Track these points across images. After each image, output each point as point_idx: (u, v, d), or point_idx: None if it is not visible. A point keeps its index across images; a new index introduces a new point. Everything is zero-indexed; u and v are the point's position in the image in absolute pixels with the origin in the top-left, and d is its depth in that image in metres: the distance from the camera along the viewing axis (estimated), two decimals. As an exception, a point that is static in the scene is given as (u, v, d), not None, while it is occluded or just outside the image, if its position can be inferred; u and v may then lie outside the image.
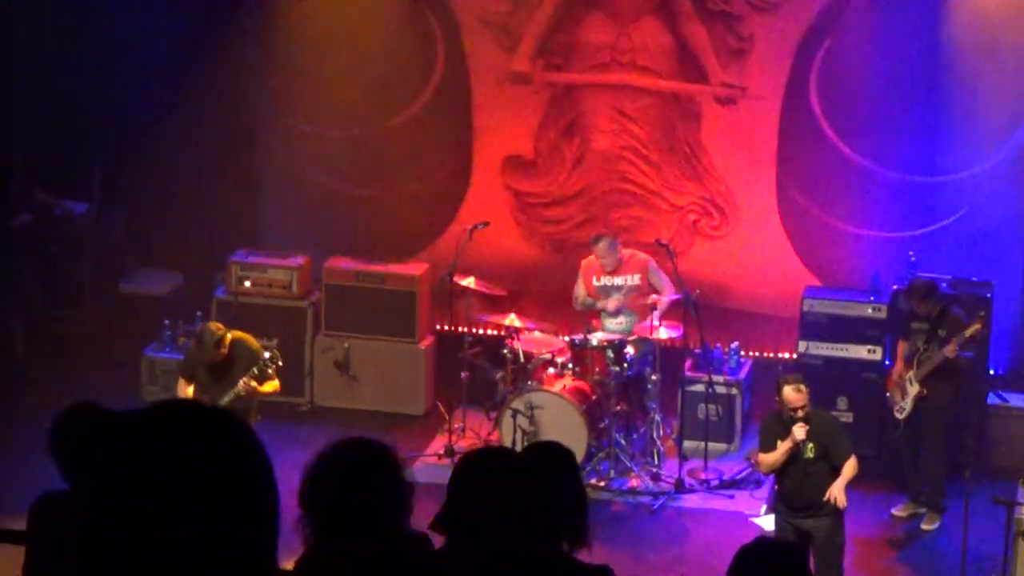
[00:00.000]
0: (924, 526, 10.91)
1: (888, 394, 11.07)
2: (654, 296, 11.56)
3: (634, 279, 11.71)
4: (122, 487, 2.22)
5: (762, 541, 4.78)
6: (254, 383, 9.95)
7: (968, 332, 10.60)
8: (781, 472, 9.28)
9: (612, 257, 11.63)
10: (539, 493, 4.52)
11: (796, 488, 9.23)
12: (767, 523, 10.79)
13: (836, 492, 9.10)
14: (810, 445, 9.14)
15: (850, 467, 9.17)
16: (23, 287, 12.85)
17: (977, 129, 12.23)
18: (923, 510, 10.98)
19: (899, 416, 10.86)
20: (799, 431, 9.10)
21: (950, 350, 10.60)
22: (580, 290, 11.91)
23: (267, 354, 10.09)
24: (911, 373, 10.84)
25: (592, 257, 11.78)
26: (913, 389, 10.81)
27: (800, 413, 9.14)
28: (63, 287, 13.05)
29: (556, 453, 4.76)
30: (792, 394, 9.15)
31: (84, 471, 5.44)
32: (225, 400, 9.90)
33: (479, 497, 4.34)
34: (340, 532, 4.00)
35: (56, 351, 12.69)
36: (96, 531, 2.22)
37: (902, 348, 11.07)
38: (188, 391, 10.26)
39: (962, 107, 12.19)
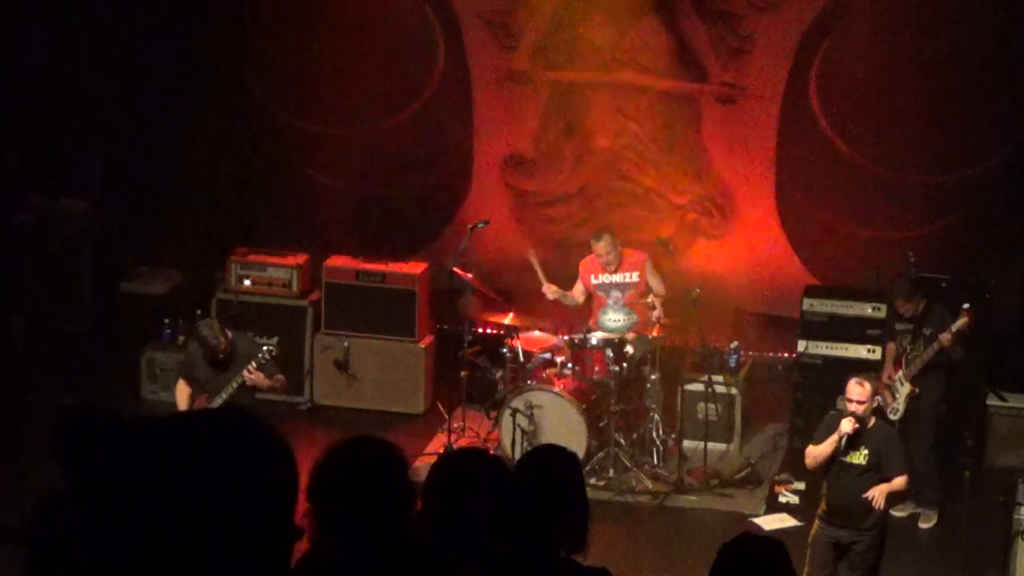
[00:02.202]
0: (922, 524, 10.89)
1: (879, 397, 10.96)
2: (651, 296, 11.56)
3: (632, 276, 11.72)
4: (152, 492, 2.23)
5: (745, 538, 4.78)
6: (260, 375, 9.98)
7: (956, 326, 10.51)
8: (828, 474, 9.04)
9: (613, 253, 11.63)
10: (541, 496, 4.52)
11: (838, 493, 8.98)
12: (767, 523, 10.80)
13: (878, 493, 8.84)
14: (864, 452, 8.92)
15: (899, 482, 8.96)
16: (23, 286, 12.84)
17: (977, 129, 12.23)
18: (921, 509, 10.96)
19: (893, 418, 10.77)
20: (847, 424, 8.85)
21: (945, 338, 10.46)
22: (575, 288, 11.88)
23: (266, 347, 10.12)
24: (900, 373, 10.78)
25: (590, 256, 11.78)
26: (904, 389, 10.74)
27: (855, 408, 8.88)
28: (63, 286, 13.04)
29: (559, 456, 4.76)
30: (853, 386, 8.94)
31: (90, 470, 5.44)
32: (227, 392, 9.93)
33: (450, 502, 4.36)
34: (345, 530, 4.00)
35: (56, 351, 12.69)
36: (121, 533, 2.23)
37: (890, 349, 11.03)
38: (187, 391, 10.28)
39: (962, 107, 12.19)
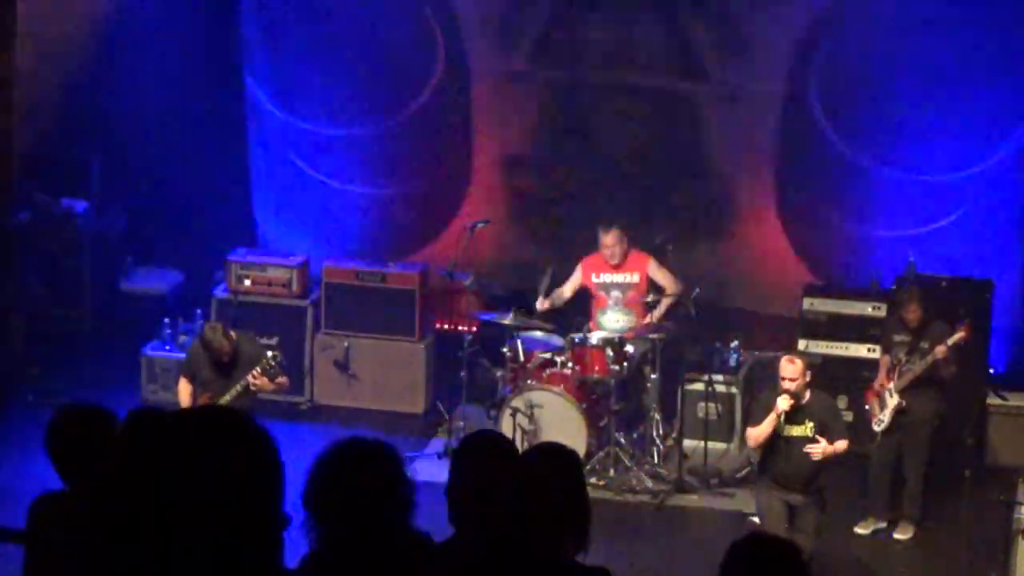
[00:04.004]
0: (897, 535, 10.72)
1: (867, 406, 10.87)
2: (653, 295, 11.56)
3: (633, 277, 11.72)
4: (143, 488, 2.23)
5: (755, 536, 4.76)
6: (265, 379, 9.98)
7: (953, 339, 10.37)
8: (773, 450, 9.48)
9: (619, 248, 11.62)
10: (542, 495, 4.51)
11: (789, 465, 9.43)
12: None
13: (821, 450, 9.24)
14: (809, 424, 9.31)
15: (842, 445, 9.42)
16: (23, 286, 12.84)
17: (977, 128, 12.23)
18: (883, 524, 10.81)
19: (877, 428, 10.63)
20: (783, 402, 9.31)
21: (941, 351, 10.36)
22: (566, 285, 11.83)
23: (270, 353, 10.13)
24: (891, 384, 10.66)
25: (594, 255, 11.76)
26: (892, 401, 10.58)
27: (788, 385, 9.30)
28: (63, 285, 13.04)
29: (560, 455, 4.75)
30: (785, 364, 9.37)
31: (87, 470, 5.43)
32: (230, 395, 9.93)
33: (480, 479, 4.39)
34: (344, 532, 4.00)
35: (56, 350, 12.69)
36: (113, 530, 2.23)
37: (884, 361, 10.90)
38: (188, 390, 10.27)
39: (962, 106, 12.19)
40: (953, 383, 10.75)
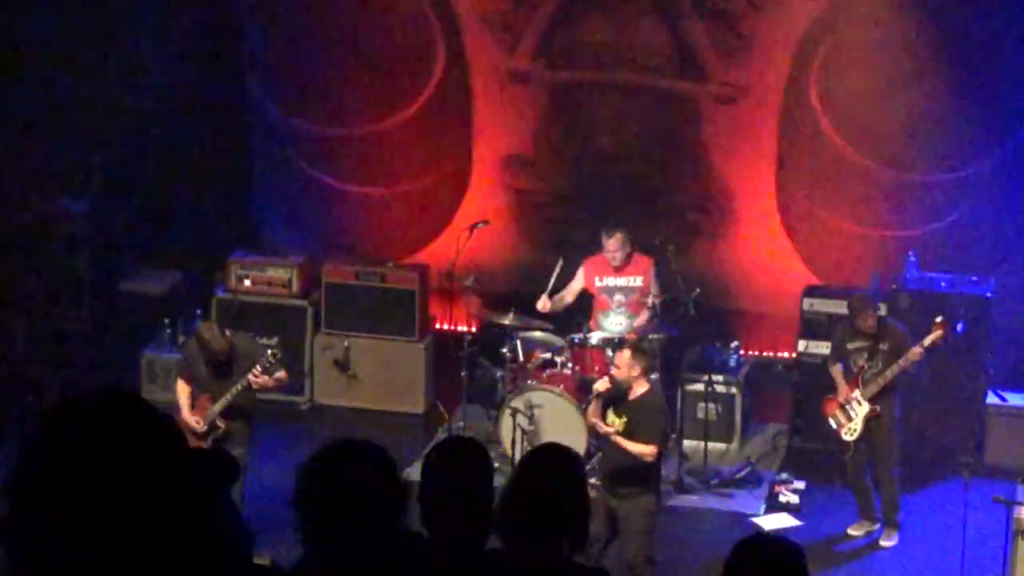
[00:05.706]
0: (883, 542, 10.69)
1: (829, 419, 10.70)
2: (651, 297, 11.55)
3: (636, 280, 11.70)
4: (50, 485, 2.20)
5: (759, 537, 4.76)
6: (266, 377, 9.98)
7: (928, 340, 10.26)
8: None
9: (622, 252, 11.59)
10: (542, 495, 4.52)
11: (603, 455, 9.61)
12: (767, 523, 10.80)
13: (616, 437, 9.08)
14: (624, 419, 9.16)
15: (638, 447, 9.08)
16: (23, 286, 12.83)
17: (977, 128, 12.23)
18: (877, 527, 10.81)
19: (849, 438, 10.53)
20: (599, 383, 9.36)
21: (916, 352, 10.25)
22: (568, 288, 11.79)
23: (270, 351, 10.13)
24: (857, 392, 10.53)
25: (597, 257, 11.74)
26: (862, 409, 10.48)
27: (612, 370, 9.32)
28: (63, 286, 13.03)
29: (560, 455, 4.76)
30: (617, 353, 9.44)
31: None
32: (231, 394, 9.93)
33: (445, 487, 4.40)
34: (335, 535, 4.00)
35: (56, 351, 12.68)
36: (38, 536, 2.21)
37: (838, 371, 10.74)
38: (187, 391, 10.26)
39: (962, 106, 12.18)
40: (914, 385, 10.67)
